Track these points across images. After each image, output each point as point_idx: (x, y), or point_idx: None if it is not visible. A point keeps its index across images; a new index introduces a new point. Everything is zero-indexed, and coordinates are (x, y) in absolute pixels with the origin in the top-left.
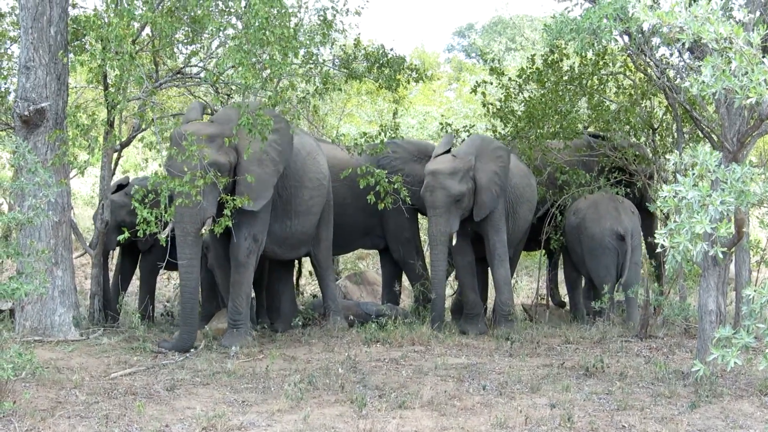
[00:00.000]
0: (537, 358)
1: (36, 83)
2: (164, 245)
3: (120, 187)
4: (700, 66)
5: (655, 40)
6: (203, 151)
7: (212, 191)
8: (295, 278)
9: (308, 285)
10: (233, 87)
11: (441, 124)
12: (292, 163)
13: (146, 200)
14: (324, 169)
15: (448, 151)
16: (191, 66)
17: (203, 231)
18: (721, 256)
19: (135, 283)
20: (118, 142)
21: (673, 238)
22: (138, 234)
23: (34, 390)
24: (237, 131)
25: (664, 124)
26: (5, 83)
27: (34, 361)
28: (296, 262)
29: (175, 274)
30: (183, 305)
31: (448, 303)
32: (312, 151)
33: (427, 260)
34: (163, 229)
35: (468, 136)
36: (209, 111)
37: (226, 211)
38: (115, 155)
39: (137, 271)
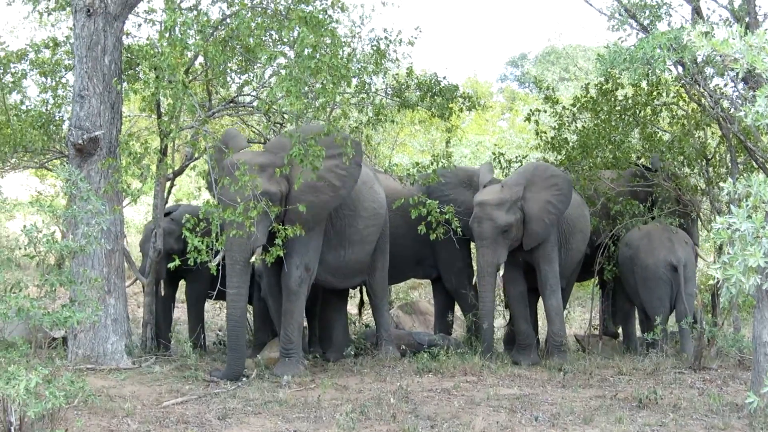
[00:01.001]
0: (590, 389)
1: (90, 112)
2: (215, 274)
3: (167, 214)
4: (754, 96)
5: (709, 70)
6: (255, 180)
7: (263, 220)
8: (357, 308)
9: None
10: (285, 116)
11: (494, 153)
12: None
13: (197, 228)
14: (381, 199)
15: (497, 181)
16: (244, 95)
17: (252, 260)
18: None
19: (177, 311)
20: (170, 171)
21: (726, 271)
22: (188, 262)
23: (87, 418)
24: (288, 160)
25: (717, 155)
26: (59, 112)
27: (87, 389)
28: (358, 291)
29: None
30: (230, 334)
31: (500, 333)
32: (368, 181)
33: None
34: (215, 258)
35: (521, 165)
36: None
37: (278, 241)
38: (168, 183)
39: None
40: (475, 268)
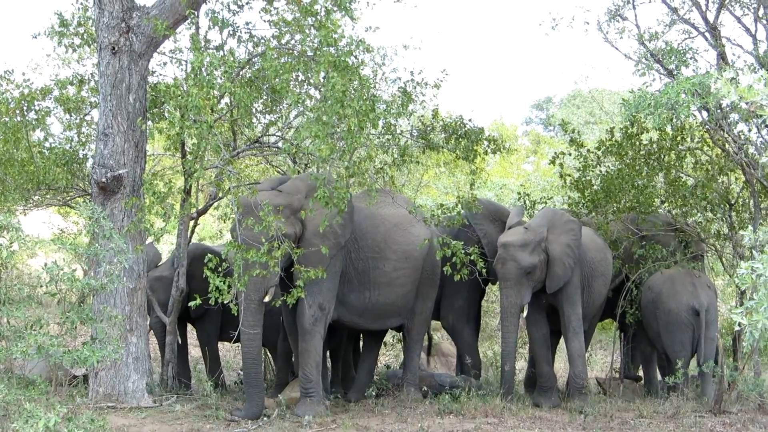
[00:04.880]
0: None
1: (114, 150)
2: (235, 314)
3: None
4: None
5: (734, 116)
6: (279, 221)
7: (279, 261)
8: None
9: (382, 355)
10: (310, 157)
11: (519, 194)
12: (370, 234)
13: (220, 269)
14: (415, 241)
15: (521, 223)
16: (269, 135)
17: (266, 299)
18: None
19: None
20: (194, 210)
21: (751, 316)
22: (210, 302)
23: None
24: (313, 203)
25: (740, 200)
26: (83, 149)
27: (107, 427)
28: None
29: None
30: (246, 372)
31: (520, 376)
32: (402, 223)
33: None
34: (235, 299)
35: (542, 208)
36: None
37: (299, 282)
38: (192, 223)
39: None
40: (475, 308)
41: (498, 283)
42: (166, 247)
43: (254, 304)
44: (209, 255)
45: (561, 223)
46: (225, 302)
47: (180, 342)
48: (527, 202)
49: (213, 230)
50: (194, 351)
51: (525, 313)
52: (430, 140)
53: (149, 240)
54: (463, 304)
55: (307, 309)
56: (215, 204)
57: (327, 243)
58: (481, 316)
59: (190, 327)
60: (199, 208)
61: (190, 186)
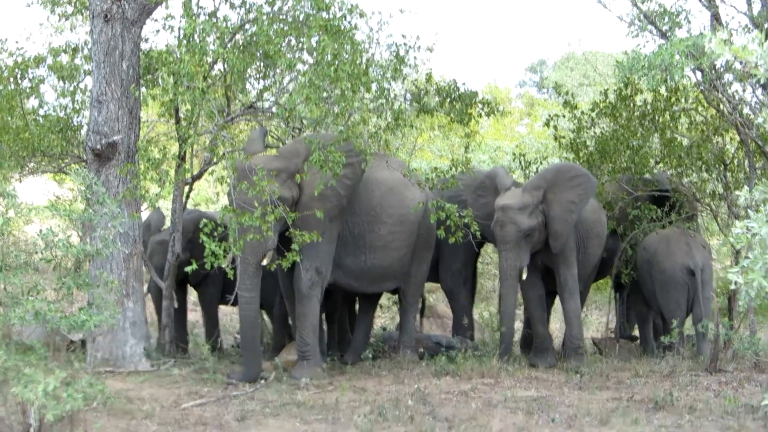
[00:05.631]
0: (606, 391)
1: (108, 117)
2: (232, 278)
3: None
4: None
5: (728, 76)
6: (273, 185)
7: (276, 224)
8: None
9: (378, 317)
10: (304, 121)
11: (514, 154)
12: (365, 198)
13: (215, 233)
14: (410, 204)
15: (517, 184)
16: (263, 100)
17: (265, 263)
18: None
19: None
20: (189, 176)
21: (746, 275)
22: (206, 267)
23: (106, 420)
24: (308, 167)
25: (735, 160)
26: (78, 117)
27: (106, 392)
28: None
29: None
30: (243, 336)
31: (517, 337)
32: (396, 186)
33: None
34: (231, 263)
35: (544, 167)
36: (275, 140)
37: (294, 246)
38: (186, 188)
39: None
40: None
41: (497, 245)
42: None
43: (252, 268)
44: (204, 220)
45: (565, 180)
46: (222, 267)
47: (177, 306)
48: (522, 162)
49: (208, 195)
50: (192, 315)
51: (524, 276)
52: (424, 104)
53: (144, 206)
54: (459, 266)
55: (304, 273)
56: (210, 169)
57: (328, 205)
58: (477, 277)
59: (189, 292)
60: (194, 173)
61: (185, 152)
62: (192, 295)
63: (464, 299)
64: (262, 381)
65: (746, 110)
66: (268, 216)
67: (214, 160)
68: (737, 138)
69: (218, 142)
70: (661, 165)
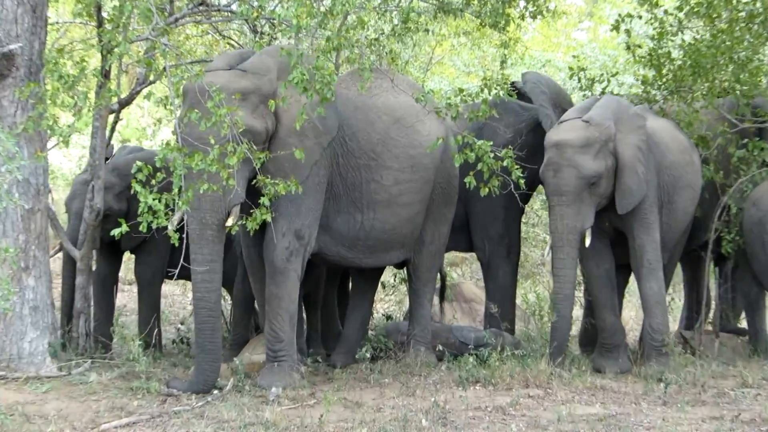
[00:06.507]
0: (702, 407)
1: (3, 17)
2: (176, 245)
3: (107, 159)
4: None
5: None
6: (236, 114)
7: (243, 169)
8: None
9: (379, 300)
10: (278, 26)
11: (571, 68)
12: (363, 134)
13: (153, 181)
14: (425, 142)
15: (582, 113)
16: None
17: (229, 224)
18: None
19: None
20: (115, 100)
21: None
22: (141, 228)
23: None
24: (286, 89)
25: None
26: None
27: None
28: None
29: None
30: (199, 328)
31: (574, 330)
32: (404, 117)
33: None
34: (175, 221)
35: (602, 94)
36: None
37: (264, 200)
38: (111, 118)
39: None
40: (515, 236)
41: (547, 199)
42: (76, 152)
43: (211, 231)
44: (138, 163)
45: (629, 116)
46: (164, 228)
47: (99, 284)
48: (583, 80)
49: (141, 126)
50: (122, 296)
51: (588, 242)
52: (445, 1)
53: (52, 142)
54: (500, 230)
55: (279, 238)
56: (144, 91)
57: (305, 144)
58: (520, 246)
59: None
60: (123, 97)
61: (110, 66)
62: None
63: (505, 277)
64: (216, 392)
65: None
66: (228, 158)
67: (151, 78)
68: None
69: (156, 53)
70: None
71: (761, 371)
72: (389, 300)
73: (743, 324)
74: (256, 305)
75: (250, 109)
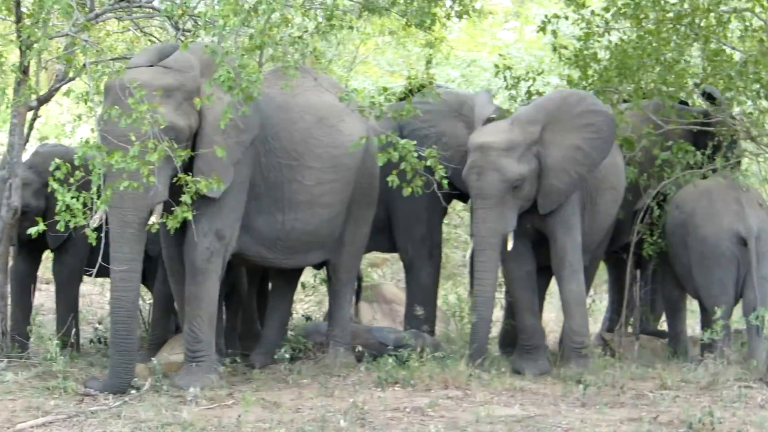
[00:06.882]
0: (621, 409)
1: None
2: (94, 244)
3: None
4: None
5: None
6: (157, 111)
7: (165, 167)
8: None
9: (299, 301)
10: (200, 22)
11: (497, 67)
12: (286, 133)
13: (72, 179)
14: (347, 142)
15: (506, 115)
16: None
17: (152, 222)
18: None
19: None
20: (34, 97)
21: None
22: (58, 226)
23: None
24: (210, 87)
25: None
26: None
27: None
28: None
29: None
30: (115, 328)
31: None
32: (327, 116)
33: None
34: (97, 220)
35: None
36: None
37: (185, 198)
38: (30, 115)
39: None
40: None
41: (470, 201)
42: None
43: (132, 230)
44: (57, 160)
45: (571, 115)
46: (84, 228)
47: (17, 282)
48: (508, 79)
49: (60, 123)
50: (39, 296)
51: (510, 245)
52: (370, 0)
53: None
54: (424, 231)
55: (200, 238)
56: (64, 88)
57: (227, 143)
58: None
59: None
60: (42, 93)
61: (29, 62)
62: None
63: (428, 278)
64: (134, 392)
65: None
66: (149, 154)
67: (71, 74)
68: None
69: (76, 50)
70: (702, 87)
71: (680, 373)
72: (309, 301)
73: (664, 326)
74: (176, 305)
75: (173, 107)
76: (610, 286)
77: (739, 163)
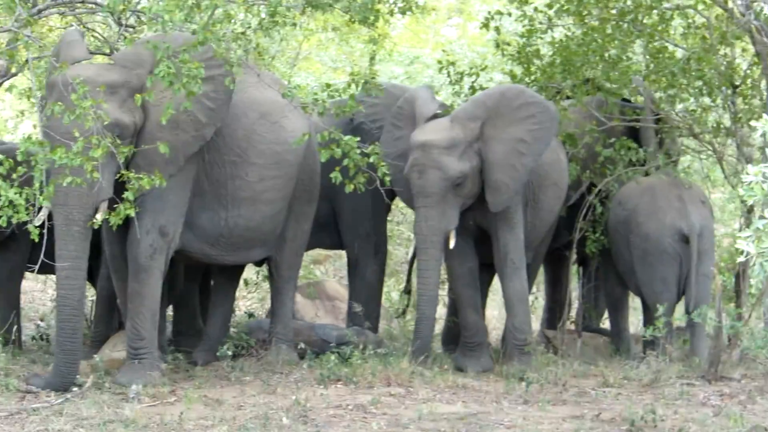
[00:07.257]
0: (563, 406)
1: None
2: (35, 240)
3: None
4: None
5: None
6: (101, 107)
7: (109, 163)
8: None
9: (241, 298)
10: (144, 20)
11: (440, 62)
12: (229, 129)
13: (14, 175)
14: (290, 138)
15: (447, 112)
16: None
17: (95, 220)
18: None
19: None
20: None
21: (761, 242)
22: (0, 222)
23: None
24: (152, 82)
25: (749, 80)
26: None
27: None
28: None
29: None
30: (61, 326)
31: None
32: (270, 112)
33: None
34: (37, 216)
35: (471, 88)
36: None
37: (128, 194)
38: None
39: None
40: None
41: (413, 199)
42: None
43: (77, 227)
44: None
45: (511, 109)
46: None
47: None
48: (452, 74)
49: (3, 119)
50: None
51: (452, 243)
52: None
53: None
54: (368, 228)
55: (143, 235)
56: (6, 83)
57: (182, 137)
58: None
59: None
60: None
61: None
62: None
63: (372, 275)
64: (75, 389)
65: (766, 10)
66: (92, 151)
67: (13, 70)
68: (751, 50)
69: (19, 45)
70: (646, 84)
71: (622, 371)
72: (251, 297)
73: (606, 324)
74: (118, 302)
75: (118, 103)
76: (547, 283)
77: (677, 161)
